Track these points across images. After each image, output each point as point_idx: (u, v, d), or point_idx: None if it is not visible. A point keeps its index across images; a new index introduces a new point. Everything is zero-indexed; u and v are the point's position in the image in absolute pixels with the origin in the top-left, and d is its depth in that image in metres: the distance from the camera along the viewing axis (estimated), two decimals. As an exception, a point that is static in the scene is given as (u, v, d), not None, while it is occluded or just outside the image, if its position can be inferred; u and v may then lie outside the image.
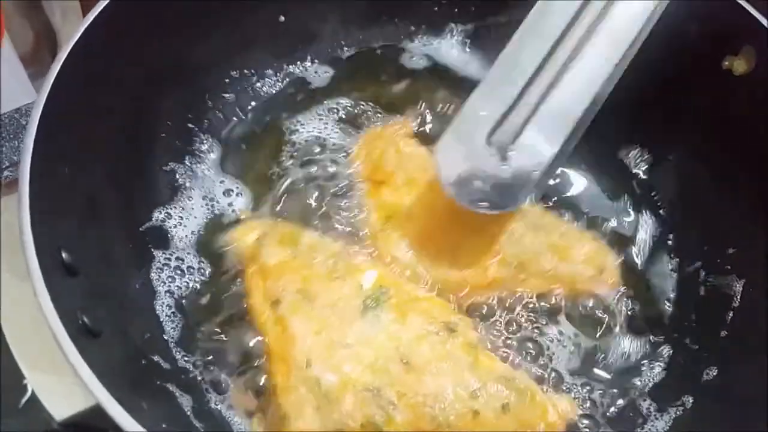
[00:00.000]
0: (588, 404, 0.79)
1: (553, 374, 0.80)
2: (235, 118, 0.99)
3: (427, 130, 0.97)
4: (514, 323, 0.82)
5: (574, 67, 0.78)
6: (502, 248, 0.83)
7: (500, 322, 0.82)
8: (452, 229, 0.83)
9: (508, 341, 0.81)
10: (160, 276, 0.83)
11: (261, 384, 0.75)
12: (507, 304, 0.83)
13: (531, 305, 0.83)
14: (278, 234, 0.79)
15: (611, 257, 0.87)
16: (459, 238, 0.83)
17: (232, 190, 0.92)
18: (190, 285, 0.83)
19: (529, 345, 0.81)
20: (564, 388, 0.79)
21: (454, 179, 0.77)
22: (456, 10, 1.04)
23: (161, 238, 0.86)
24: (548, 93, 0.78)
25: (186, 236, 0.87)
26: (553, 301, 0.84)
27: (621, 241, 0.90)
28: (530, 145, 0.77)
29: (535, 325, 0.82)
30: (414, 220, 0.84)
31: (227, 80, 0.98)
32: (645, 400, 0.80)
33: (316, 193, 0.90)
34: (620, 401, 0.79)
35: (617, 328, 0.84)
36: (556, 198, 0.92)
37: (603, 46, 0.79)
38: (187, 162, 0.93)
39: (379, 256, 0.83)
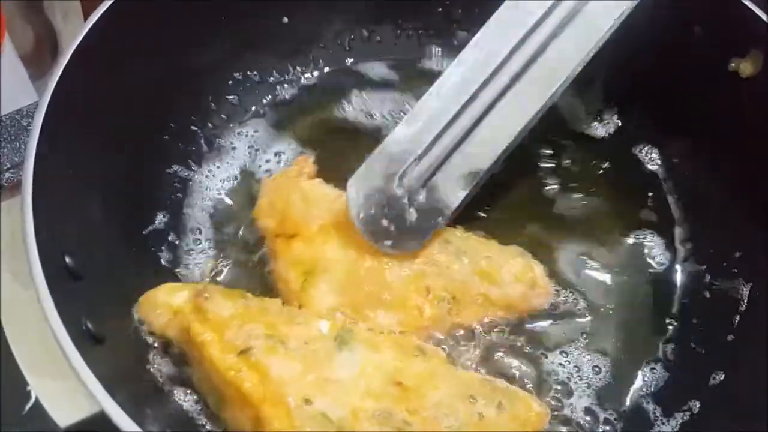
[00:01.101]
0: (594, 410, 0.79)
1: (558, 386, 0.80)
2: (238, 121, 0.98)
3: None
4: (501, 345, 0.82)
5: (493, 115, 0.80)
6: (431, 284, 0.80)
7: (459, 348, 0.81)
8: (376, 271, 0.80)
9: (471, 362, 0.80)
10: (163, 280, 0.82)
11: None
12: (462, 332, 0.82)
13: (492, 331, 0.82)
14: (220, 290, 0.76)
15: (538, 269, 0.84)
16: (384, 279, 0.79)
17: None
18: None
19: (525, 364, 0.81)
20: (569, 392, 0.79)
21: (363, 216, 0.79)
22: (460, 11, 1.03)
23: (164, 241, 0.86)
24: (464, 140, 0.80)
25: (192, 237, 0.87)
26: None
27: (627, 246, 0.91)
28: (439, 190, 0.81)
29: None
30: (334, 272, 0.79)
31: (230, 82, 0.98)
32: (651, 405, 0.79)
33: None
34: (627, 406, 0.79)
35: (621, 331, 0.84)
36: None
37: (523, 98, 0.80)
38: (190, 164, 0.93)
39: None
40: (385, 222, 0.79)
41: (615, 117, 1.00)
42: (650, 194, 0.95)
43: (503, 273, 0.82)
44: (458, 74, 0.81)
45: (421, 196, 0.80)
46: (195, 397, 0.73)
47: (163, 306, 0.75)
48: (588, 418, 0.78)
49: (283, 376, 0.68)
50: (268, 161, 0.95)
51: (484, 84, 0.80)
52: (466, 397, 0.71)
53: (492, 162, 0.81)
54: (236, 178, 0.94)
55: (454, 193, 0.81)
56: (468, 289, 0.81)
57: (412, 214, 0.80)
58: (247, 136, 0.97)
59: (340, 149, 0.95)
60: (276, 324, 0.72)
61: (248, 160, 0.95)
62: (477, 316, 0.82)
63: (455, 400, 0.71)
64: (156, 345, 0.76)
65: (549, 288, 0.85)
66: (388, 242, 0.79)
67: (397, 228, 0.79)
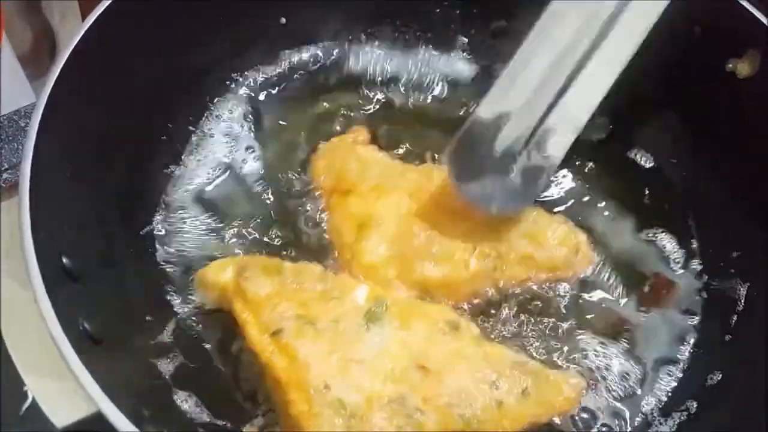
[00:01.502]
0: (591, 410, 0.78)
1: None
2: (236, 122, 0.98)
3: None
4: (511, 322, 0.83)
5: (582, 75, 0.80)
6: (478, 241, 0.83)
7: (498, 318, 0.83)
8: (425, 227, 0.83)
9: (508, 333, 0.82)
10: (161, 281, 0.83)
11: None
12: (501, 301, 0.84)
13: (528, 305, 0.84)
14: (259, 265, 0.77)
15: (582, 236, 0.87)
16: (433, 235, 0.83)
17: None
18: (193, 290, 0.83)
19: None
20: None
21: (466, 184, 0.81)
22: (458, 12, 1.03)
23: (162, 241, 0.86)
24: (557, 100, 0.81)
25: (189, 240, 0.87)
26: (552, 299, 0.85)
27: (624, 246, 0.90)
28: (539, 151, 0.82)
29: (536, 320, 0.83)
30: (386, 225, 0.83)
31: (228, 82, 0.98)
32: (649, 405, 0.79)
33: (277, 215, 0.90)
34: (624, 406, 0.79)
35: (619, 333, 0.84)
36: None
37: (608, 56, 0.80)
38: (188, 165, 0.92)
39: (356, 268, 0.82)
40: (488, 187, 0.81)
41: (611, 117, 0.99)
42: (647, 195, 0.94)
43: (548, 236, 0.85)
44: (548, 29, 0.81)
45: (522, 158, 0.81)
46: (195, 399, 0.73)
47: (212, 284, 0.78)
48: (585, 415, 0.78)
49: (308, 358, 0.70)
50: (262, 160, 0.95)
51: (578, 35, 0.80)
52: (489, 382, 0.72)
53: (589, 116, 0.82)
54: (234, 179, 0.93)
55: (553, 153, 0.82)
56: (513, 249, 0.83)
57: (516, 177, 0.81)
58: (244, 137, 0.97)
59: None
60: (309, 301, 0.74)
61: (245, 161, 0.95)
62: (520, 275, 0.84)
63: (476, 386, 0.71)
64: (156, 345, 0.76)
65: (592, 255, 0.87)
66: (495, 206, 0.81)
67: (501, 192, 0.81)
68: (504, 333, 0.82)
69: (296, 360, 0.70)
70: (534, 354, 0.80)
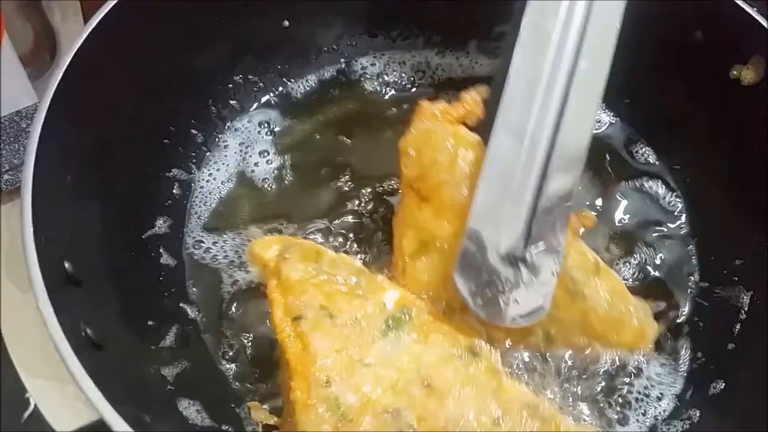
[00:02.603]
0: (594, 419, 0.78)
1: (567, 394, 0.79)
2: (238, 124, 0.98)
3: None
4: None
5: (556, 153, 0.73)
6: None
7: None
8: None
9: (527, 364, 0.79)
10: (164, 285, 0.83)
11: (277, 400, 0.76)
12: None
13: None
14: (301, 249, 0.77)
15: (652, 331, 0.80)
16: None
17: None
18: (197, 293, 0.83)
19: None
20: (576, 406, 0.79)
21: (482, 303, 0.72)
22: (463, 15, 1.03)
23: (165, 245, 0.86)
24: (540, 192, 0.72)
25: (191, 242, 0.87)
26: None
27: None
28: (541, 244, 0.72)
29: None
30: (448, 255, 0.75)
31: (231, 86, 0.98)
32: (651, 414, 0.79)
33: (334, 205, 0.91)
34: (627, 415, 0.79)
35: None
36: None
37: (575, 122, 0.73)
38: (190, 168, 0.92)
39: (403, 279, 0.78)
40: (503, 295, 0.72)
41: (615, 123, 1.00)
42: (648, 200, 0.94)
43: (613, 332, 0.78)
44: (510, 122, 0.73)
45: (528, 255, 0.72)
46: (198, 406, 0.73)
47: (257, 258, 0.79)
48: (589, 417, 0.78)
49: (319, 351, 0.69)
50: (264, 164, 0.95)
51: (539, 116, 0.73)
52: (492, 417, 0.69)
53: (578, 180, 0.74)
54: (234, 181, 0.93)
55: (556, 239, 0.72)
56: (567, 335, 0.77)
57: (525, 277, 0.72)
58: (245, 140, 0.97)
59: (339, 152, 0.96)
60: (336, 294, 0.74)
61: (246, 164, 0.95)
62: (561, 355, 0.79)
63: (477, 418, 0.69)
64: (159, 351, 0.76)
65: (648, 349, 0.81)
66: (519, 318, 0.72)
67: (521, 298, 0.72)
68: (524, 371, 0.79)
69: (307, 349, 0.70)
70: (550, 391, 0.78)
